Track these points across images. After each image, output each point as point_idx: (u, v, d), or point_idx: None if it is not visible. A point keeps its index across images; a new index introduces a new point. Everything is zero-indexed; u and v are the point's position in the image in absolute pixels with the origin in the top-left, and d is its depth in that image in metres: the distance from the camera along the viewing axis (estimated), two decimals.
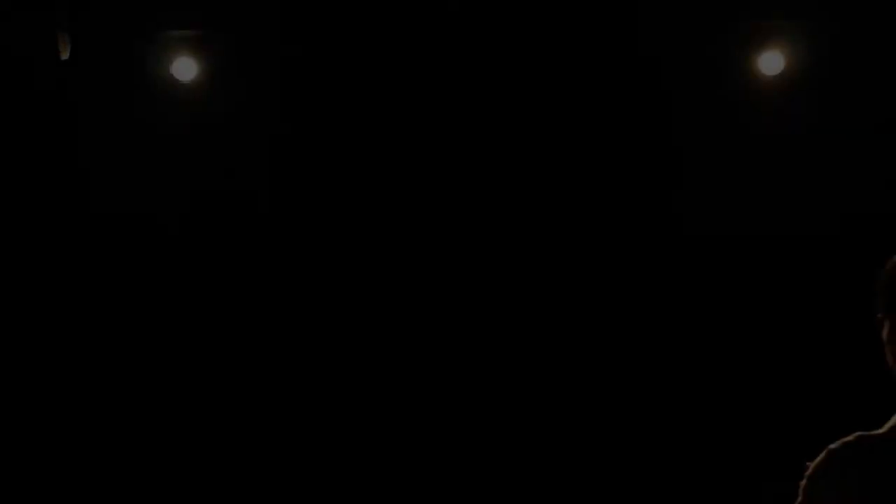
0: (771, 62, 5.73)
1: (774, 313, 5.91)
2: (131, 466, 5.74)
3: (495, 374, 5.85)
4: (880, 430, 2.18)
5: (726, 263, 5.95)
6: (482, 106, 5.83)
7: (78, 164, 5.74)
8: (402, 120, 5.87)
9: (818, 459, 2.17)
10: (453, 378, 5.85)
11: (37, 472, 5.59)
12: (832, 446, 2.17)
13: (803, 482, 2.17)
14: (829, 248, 5.93)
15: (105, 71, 5.69)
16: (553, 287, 5.85)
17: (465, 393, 5.85)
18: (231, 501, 5.78)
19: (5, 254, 5.75)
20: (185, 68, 5.69)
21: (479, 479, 5.75)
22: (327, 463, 5.81)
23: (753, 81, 5.79)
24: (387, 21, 5.73)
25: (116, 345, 5.86)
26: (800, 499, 2.18)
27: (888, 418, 2.23)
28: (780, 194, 5.89)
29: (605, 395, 5.76)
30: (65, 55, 5.45)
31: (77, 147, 5.74)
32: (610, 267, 5.81)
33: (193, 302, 5.89)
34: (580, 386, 5.79)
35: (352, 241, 5.93)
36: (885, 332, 2.37)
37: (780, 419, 5.51)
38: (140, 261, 5.88)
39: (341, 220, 5.95)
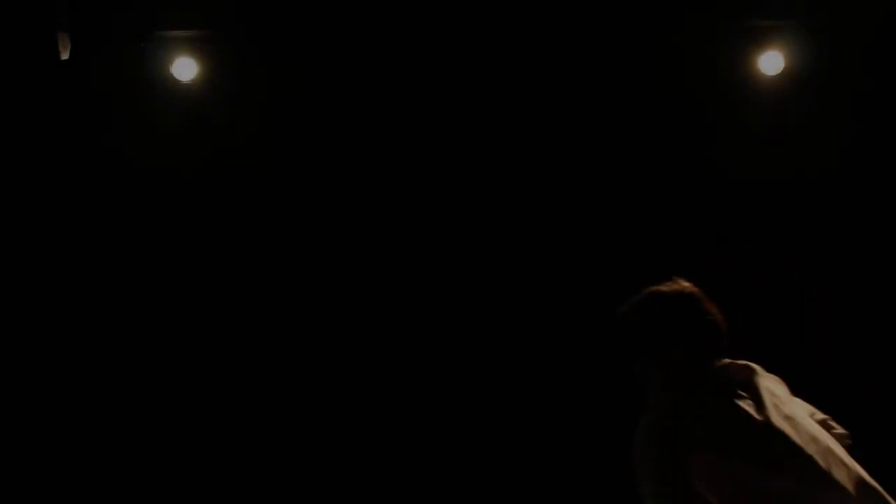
0: (771, 62, 5.74)
1: (772, 313, 5.92)
2: (129, 460, 5.75)
3: (497, 372, 5.85)
4: (655, 411, 2.87)
5: (726, 263, 5.95)
6: (482, 106, 5.83)
7: (77, 164, 5.74)
8: (403, 120, 5.87)
9: (641, 439, 2.79)
10: (451, 377, 5.86)
11: (29, 455, 5.59)
12: (641, 435, 2.79)
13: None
14: (828, 247, 5.93)
15: (105, 71, 5.69)
16: (550, 285, 5.86)
17: (463, 392, 5.85)
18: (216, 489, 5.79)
19: (5, 254, 5.75)
20: (185, 68, 5.70)
21: (477, 478, 5.75)
22: (322, 460, 5.81)
23: (753, 81, 5.80)
24: (387, 21, 5.73)
25: (116, 344, 5.87)
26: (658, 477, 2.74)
27: None
28: (779, 193, 5.89)
29: (607, 394, 5.76)
30: (65, 55, 5.45)
31: (77, 147, 5.74)
32: (609, 265, 5.81)
33: (192, 301, 5.89)
34: (583, 385, 5.79)
35: (351, 240, 5.93)
36: (653, 374, 2.98)
37: None
38: (139, 261, 5.89)
39: (341, 219, 5.95)
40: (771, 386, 2.93)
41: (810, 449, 2.78)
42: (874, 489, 2.81)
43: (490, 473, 5.78)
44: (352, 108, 5.86)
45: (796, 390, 3.02)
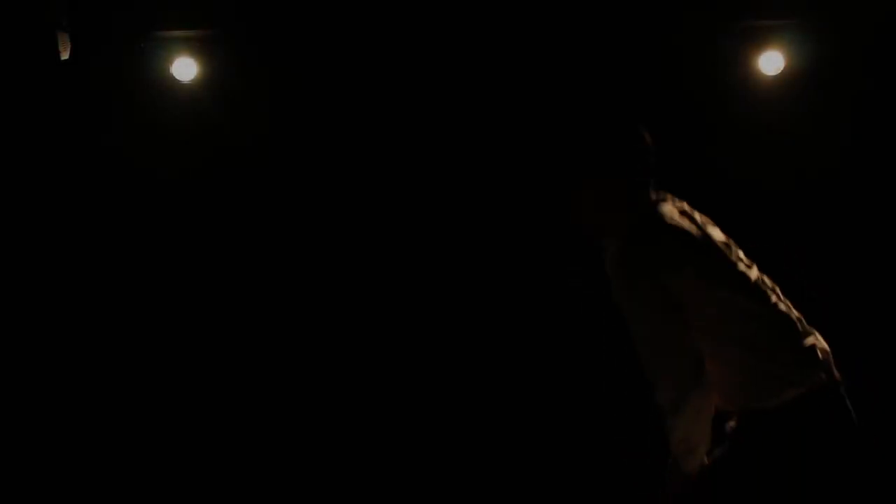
0: (771, 62, 5.74)
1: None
2: (124, 458, 5.75)
3: (497, 372, 5.85)
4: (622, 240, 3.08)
5: None
6: (481, 106, 5.83)
7: (78, 164, 5.74)
8: (404, 119, 5.87)
9: (625, 272, 3.01)
10: (452, 377, 5.87)
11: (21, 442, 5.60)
12: (624, 267, 3.01)
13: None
14: (828, 247, 5.93)
15: (105, 71, 5.69)
16: (547, 285, 5.86)
17: (459, 392, 5.86)
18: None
19: (4, 255, 5.75)
20: (185, 68, 5.70)
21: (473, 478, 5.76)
22: (318, 460, 5.82)
23: (753, 81, 5.80)
24: (387, 21, 5.73)
25: (116, 344, 5.87)
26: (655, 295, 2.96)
27: None
28: (779, 193, 5.89)
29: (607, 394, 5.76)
30: (65, 55, 5.44)
31: (76, 147, 5.74)
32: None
33: (192, 301, 5.90)
34: (581, 383, 5.79)
35: (352, 239, 5.94)
36: (592, 197, 3.17)
37: None
38: (140, 261, 5.89)
39: (341, 219, 5.95)
40: (702, 217, 3.22)
41: (750, 274, 3.11)
42: (787, 303, 3.17)
43: (485, 472, 5.79)
44: (352, 107, 5.86)
45: None
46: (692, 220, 3.17)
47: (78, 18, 5.50)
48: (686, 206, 3.25)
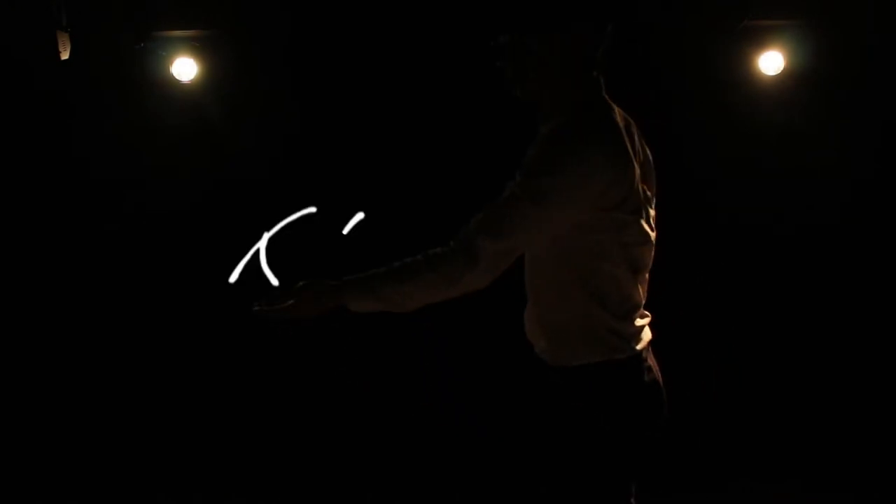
0: (771, 62, 5.75)
1: (772, 306, 5.92)
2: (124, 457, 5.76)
3: (497, 372, 5.86)
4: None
5: (727, 260, 5.96)
6: (481, 106, 5.83)
7: (77, 164, 5.75)
8: (404, 119, 5.88)
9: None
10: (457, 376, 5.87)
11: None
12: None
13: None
14: (828, 247, 5.94)
15: (105, 71, 5.70)
16: None
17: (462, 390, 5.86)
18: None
19: (4, 255, 5.76)
20: (185, 68, 5.71)
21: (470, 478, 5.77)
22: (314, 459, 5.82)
23: (753, 81, 5.81)
24: (387, 20, 5.74)
25: (113, 345, 5.88)
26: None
27: None
28: (778, 192, 5.90)
29: None
30: (65, 55, 5.45)
31: (77, 147, 5.75)
32: None
33: (191, 302, 5.90)
34: None
35: (352, 239, 5.93)
36: (531, 53, 2.79)
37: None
38: (137, 260, 5.89)
39: (342, 219, 5.95)
40: (640, 140, 2.98)
41: (645, 242, 2.84)
42: (646, 281, 2.93)
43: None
44: (352, 107, 5.87)
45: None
46: (632, 144, 2.87)
47: (78, 18, 5.51)
48: (634, 128, 2.96)
